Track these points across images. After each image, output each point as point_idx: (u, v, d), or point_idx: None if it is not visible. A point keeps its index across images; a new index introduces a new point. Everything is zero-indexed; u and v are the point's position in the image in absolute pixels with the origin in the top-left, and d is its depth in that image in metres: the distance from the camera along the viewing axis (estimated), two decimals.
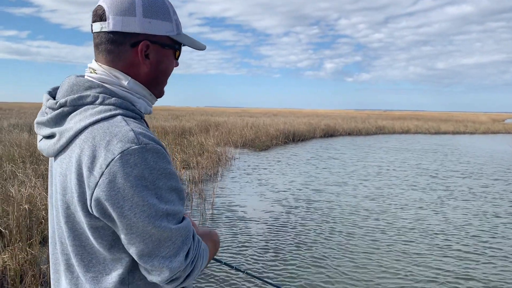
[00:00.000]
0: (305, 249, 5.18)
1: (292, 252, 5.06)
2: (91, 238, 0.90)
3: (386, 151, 17.01)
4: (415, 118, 46.74)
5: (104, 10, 0.96)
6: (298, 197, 8.05)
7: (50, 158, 1.03)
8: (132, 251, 0.88)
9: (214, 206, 7.07)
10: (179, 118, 27.81)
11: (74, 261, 0.95)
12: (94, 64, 1.00)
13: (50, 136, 0.96)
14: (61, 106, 0.93)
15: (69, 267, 0.97)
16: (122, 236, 0.87)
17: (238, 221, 6.32)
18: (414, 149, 18.14)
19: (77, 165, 0.86)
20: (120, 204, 0.83)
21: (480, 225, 6.43)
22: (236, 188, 8.72)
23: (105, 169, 0.82)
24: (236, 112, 51.82)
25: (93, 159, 0.84)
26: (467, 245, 5.47)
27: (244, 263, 4.69)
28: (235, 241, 5.41)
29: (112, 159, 0.82)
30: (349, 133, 26.18)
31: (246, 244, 5.31)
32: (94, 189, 0.83)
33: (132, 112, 0.95)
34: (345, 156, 14.72)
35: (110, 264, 0.92)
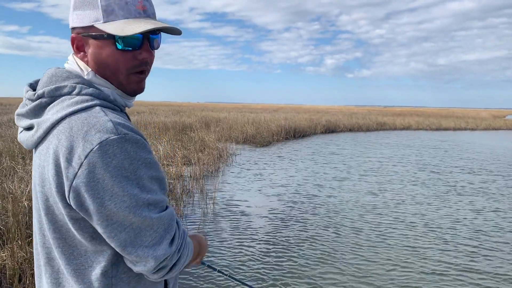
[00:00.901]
0: (308, 246, 5.11)
1: (295, 249, 4.99)
2: (72, 230, 0.89)
3: (388, 147, 16.93)
4: (415, 114, 46.61)
5: None
6: (300, 193, 7.98)
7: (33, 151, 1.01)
8: (115, 243, 0.87)
9: (215, 202, 7.00)
10: (180, 114, 27.71)
11: (55, 253, 0.93)
12: (70, 55, 1.02)
13: (29, 128, 0.94)
14: (39, 97, 0.92)
15: (49, 261, 0.95)
16: (102, 230, 0.86)
17: (240, 217, 6.25)
18: (417, 145, 18.06)
19: (55, 156, 0.84)
20: (100, 195, 0.82)
21: (486, 220, 6.36)
22: (238, 184, 8.65)
23: (84, 159, 0.81)
24: (237, 108, 51.68)
25: (70, 150, 0.83)
26: (473, 239, 5.40)
27: (246, 261, 4.62)
28: (237, 237, 5.34)
29: (91, 150, 0.81)
30: (350, 129, 26.10)
31: (248, 240, 5.25)
32: (73, 180, 0.82)
33: (111, 103, 0.94)
34: (347, 152, 14.64)
35: (92, 257, 0.91)
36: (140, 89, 1.02)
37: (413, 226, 6.08)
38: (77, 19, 0.95)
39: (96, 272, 0.91)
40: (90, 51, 0.96)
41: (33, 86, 1.00)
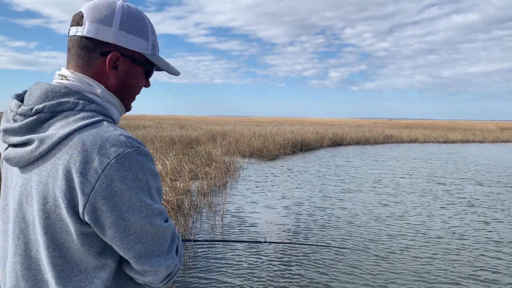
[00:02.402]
0: (321, 266, 4.89)
1: (306, 265, 4.77)
2: (78, 246, 0.88)
3: (398, 160, 16.69)
4: (422, 127, 46.35)
5: (82, 16, 0.97)
6: (311, 209, 7.76)
7: (4, 169, 1.01)
8: (130, 255, 0.90)
9: (224, 218, 6.80)
10: (185, 127, 27.66)
11: (47, 275, 0.90)
12: (65, 71, 0.99)
13: (24, 144, 0.91)
14: (37, 112, 0.90)
15: (36, 283, 0.92)
16: (118, 243, 0.88)
17: (250, 233, 6.04)
18: (426, 158, 17.80)
19: (66, 172, 0.84)
20: (118, 206, 0.84)
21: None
22: (246, 200, 8.45)
23: (101, 173, 0.83)
24: (242, 121, 51.67)
25: (85, 165, 0.83)
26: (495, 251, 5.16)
27: (259, 283, 4.42)
28: (247, 255, 5.14)
29: (108, 163, 0.83)
30: (357, 142, 25.88)
31: (259, 258, 5.04)
32: (90, 194, 0.83)
33: (110, 118, 0.96)
34: (355, 165, 14.42)
35: (92, 272, 0.90)
36: (130, 108, 1.12)
37: (434, 238, 5.85)
38: (125, 40, 0.99)
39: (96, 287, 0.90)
40: (123, 71, 1.01)
41: (21, 100, 0.97)
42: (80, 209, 0.84)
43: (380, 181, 11.27)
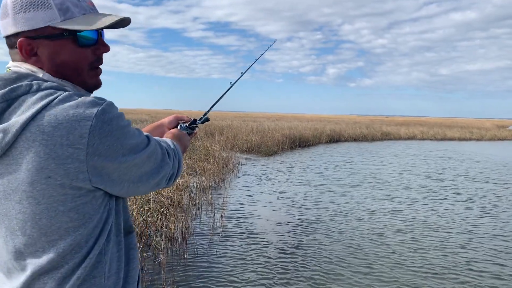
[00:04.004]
0: (325, 264, 4.82)
1: (308, 261, 4.69)
2: (76, 220, 0.89)
3: (397, 157, 16.64)
4: (419, 124, 46.37)
5: None
6: (312, 206, 7.68)
7: None
8: (142, 184, 0.99)
9: (224, 215, 6.70)
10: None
11: (45, 260, 0.88)
12: (10, 63, 0.98)
13: None
14: None
15: (9, 271, 0.92)
16: (126, 185, 0.95)
17: (250, 230, 5.95)
18: (425, 155, 17.76)
19: (49, 150, 0.83)
20: (114, 157, 0.89)
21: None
22: (246, 196, 8.36)
23: (88, 136, 0.84)
24: (239, 116, 51.49)
25: (68, 136, 0.83)
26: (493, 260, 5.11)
27: (258, 278, 4.34)
28: (248, 251, 5.05)
29: (91, 125, 0.84)
30: (355, 139, 25.83)
31: (260, 255, 4.95)
32: (86, 160, 0.85)
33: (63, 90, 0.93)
34: (354, 162, 14.36)
35: (83, 243, 0.91)
36: (99, 83, 1.06)
37: (441, 244, 5.78)
38: (24, 22, 0.92)
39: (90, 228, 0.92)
40: (45, 53, 0.95)
41: None
42: (81, 176, 0.86)
43: (380, 178, 11.21)
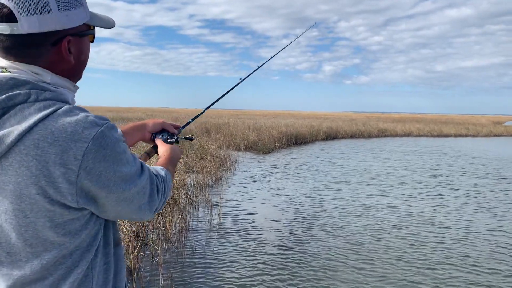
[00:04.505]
0: (323, 260, 4.80)
1: (310, 263, 4.68)
2: (63, 235, 0.87)
3: (394, 153, 16.66)
4: (415, 121, 46.47)
5: (10, 9, 0.83)
6: (309, 203, 7.66)
7: None
8: (123, 216, 0.98)
9: (221, 213, 6.68)
10: (179, 120, 27.41)
11: (28, 270, 0.87)
12: (3, 62, 0.89)
13: None
14: None
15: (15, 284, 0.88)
16: (111, 210, 0.93)
17: (248, 228, 5.93)
18: (422, 151, 17.78)
19: (41, 166, 0.81)
20: (105, 184, 0.87)
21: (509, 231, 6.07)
22: (243, 194, 8.33)
23: (82, 159, 0.82)
24: (236, 114, 51.43)
25: (62, 155, 0.81)
26: (488, 256, 5.11)
27: (256, 274, 4.31)
28: (247, 254, 5.03)
29: (86, 147, 0.83)
30: (352, 136, 25.84)
31: (258, 253, 4.93)
32: (76, 182, 0.83)
33: (66, 103, 0.90)
34: (351, 159, 14.35)
35: (74, 254, 0.91)
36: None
37: (438, 244, 5.78)
38: (68, 20, 0.91)
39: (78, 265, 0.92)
40: (76, 50, 0.95)
41: None
42: (70, 198, 0.84)
43: (377, 174, 11.21)
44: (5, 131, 0.82)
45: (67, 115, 0.85)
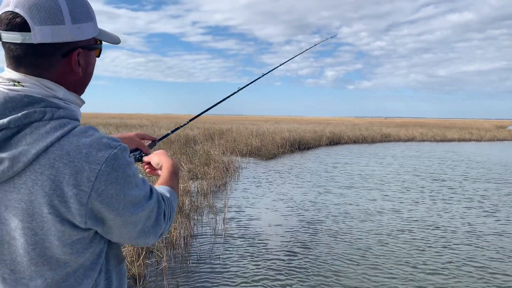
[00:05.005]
0: (330, 266, 4.75)
1: (316, 270, 4.63)
2: (70, 254, 0.88)
3: (398, 159, 16.59)
4: (418, 125, 46.38)
5: (24, 18, 0.84)
6: (315, 208, 7.62)
7: None
8: (128, 240, 0.97)
9: (226, 220, 6.64)
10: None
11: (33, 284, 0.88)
12: (15, 75, 0.88)
13: None
14: (1, 129, 0.82)
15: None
16: (116, 232, 0.93)
17: (253, 235, 5.89)
18: (427, 156, 17.71)
19: (55, 186, 0.82)
20: (115, 207, 0.87)
21: None
22: (248, 201, 8.30)
23: (95, 181, 0.83)
24: (239, 120, 51.49)
25: (76, 176, 0.82)
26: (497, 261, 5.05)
27: (264, 281, 4.28)
28: (252, 260, 4.99)
29: (100, 170, 0.84)
30: (355, 141, 25.78)
31: (264, 262, 4.90)
32: (87, 203, 0.84)
33: (77, 121, 0.93)
34: (356, 164, 14.30)
35: (82, 274, 0.92)
36: None
37: (449, 249, 5.73)
38: (80, 32, 0.92)
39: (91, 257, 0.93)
40: (84, 63, 0.96)
41: None
42: (78, 219, 0.85)
43: (381, 179, 11.15)
44: (20, 149, 0.82)
45: (82, 136, 0.86)
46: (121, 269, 1.05)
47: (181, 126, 1.92)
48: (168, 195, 1.11)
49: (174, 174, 1.25)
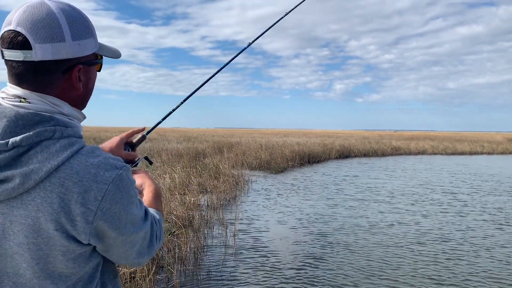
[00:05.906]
0: (343, 280, 4.65)
1: (329, 284, 4.54)
2: (72, 267, 0.90)
3: (410, 172, 16.41)
4: (428, 138, 45.95)
5: (25, 36, 0.86)
6: (326, 222, 7.52)
7: None
8: (127, 259, 1.00)
9: (236, 234, 6.58)
10: (191, 140, 27.55)
11: None
12: (20, 91, 0.89)
13: (2, 180, 0.83)
14: (14, 146, 0.83)
15: None
16: (114, 251, 0.96)
17: (264, 250, 5.81)
18: (438, 170, 17.50)
19: (64, 204, 0.84)
20: (117, 225, 0.90)
21: None
22: (258, 214, 8.23)
23: (101, 200, 0.86)
24: (247, 133, 51.55)
25: (84, 194, 0.85)
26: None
27: None
28: (263, 274, 4.91)
29: (106, 189, 0.87)
30: (365, 154, 25.60)
31: (275, 276, 4.81)
32: (93, 221, 0.86)
33: (80, 138, 0.94)
34: (366, 177, 14.16)
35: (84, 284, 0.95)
36: None
37: (462, 264, 5.59)
38: (80, 49, 0.93)
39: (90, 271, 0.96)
40: (84, 79, 0.97)
41: None
42: (83, 236, 0.87)
43: (392, 192, 11.01)
44: (32, 167, 0.83)
45: (90, 156, 0.89)
46: (117, 283, 1.07)
47: (173, 111, 1.79)
48: (157, 216, 1.13)
49: (157, 197, 1.25)
